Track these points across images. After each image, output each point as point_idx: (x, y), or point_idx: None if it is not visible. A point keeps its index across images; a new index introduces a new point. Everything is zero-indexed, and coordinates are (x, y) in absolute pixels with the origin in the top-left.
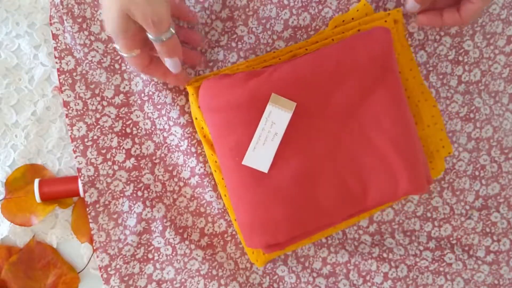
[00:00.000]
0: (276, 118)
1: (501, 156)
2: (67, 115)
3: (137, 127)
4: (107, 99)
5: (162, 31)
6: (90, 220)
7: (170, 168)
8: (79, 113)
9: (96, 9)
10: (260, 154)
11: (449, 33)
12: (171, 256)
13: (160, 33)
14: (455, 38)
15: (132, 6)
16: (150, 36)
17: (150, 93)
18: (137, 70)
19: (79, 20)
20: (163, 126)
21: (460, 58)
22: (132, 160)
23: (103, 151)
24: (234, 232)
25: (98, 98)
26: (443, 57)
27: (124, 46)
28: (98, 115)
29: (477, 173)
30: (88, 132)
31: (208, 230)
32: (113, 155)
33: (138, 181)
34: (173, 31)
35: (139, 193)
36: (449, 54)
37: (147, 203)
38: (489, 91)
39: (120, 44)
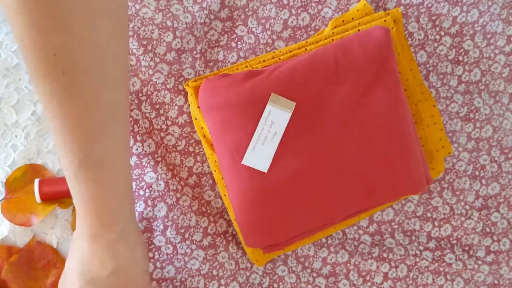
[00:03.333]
0: (276, 117)
1: (501, 156)
2: None
3: (138, 125)
4: None
5: None
6: None
7: (171, 167)
8: None
9: None
10: (260, 154)
11: (449, 33)
12: (171, 255)
13: None
14: (455, 38)
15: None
16: None
17: (149, 92)
18: None
19: None
20: (161, 126)
21: (460, 58)
22: (134, 158)
23: None
24: (234, 232)
25: None
26: (443, 57)
27: None
28: None
29: (477, 173)
30: None
31: (211, 229)
32: None
33: (141, 179)
34: None
35: (141, 192)
36: (449, 54)
37: (149, 202)
38: (489, 91)
39: None
